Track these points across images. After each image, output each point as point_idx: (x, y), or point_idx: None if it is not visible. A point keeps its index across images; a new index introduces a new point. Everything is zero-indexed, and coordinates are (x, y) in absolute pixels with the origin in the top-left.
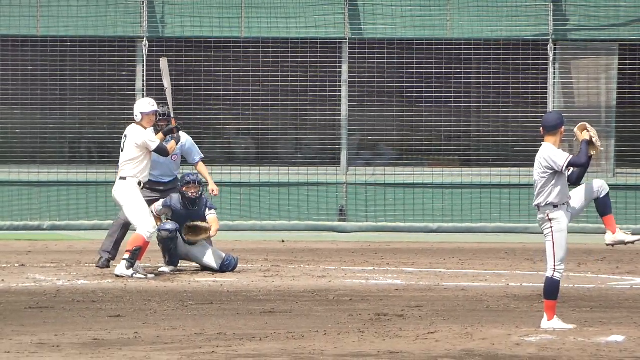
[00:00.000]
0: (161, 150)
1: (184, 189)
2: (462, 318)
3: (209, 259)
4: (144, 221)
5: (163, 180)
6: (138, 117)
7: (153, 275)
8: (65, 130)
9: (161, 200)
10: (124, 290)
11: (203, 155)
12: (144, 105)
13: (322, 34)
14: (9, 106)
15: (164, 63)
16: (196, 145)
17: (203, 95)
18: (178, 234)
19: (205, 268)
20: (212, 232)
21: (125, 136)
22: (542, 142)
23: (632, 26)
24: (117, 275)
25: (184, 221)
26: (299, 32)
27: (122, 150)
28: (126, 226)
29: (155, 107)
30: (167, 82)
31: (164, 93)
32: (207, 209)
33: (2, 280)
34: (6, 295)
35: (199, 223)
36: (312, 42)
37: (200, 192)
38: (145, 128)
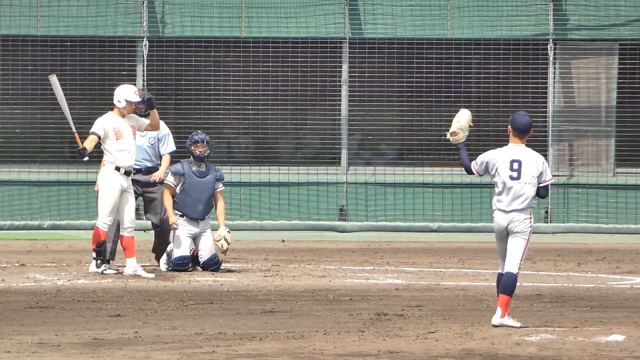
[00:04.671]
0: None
1: (192, 147)
2: (462, 317)
3: (204, 252)
4: (105, 213)
5: (139, 167)
6: (122, 104)
7: (153, 275)
8: (65, 130)
9: (170, 171)
10: (124, 290)
11: (175, 150)
12: (130, 93)
13: (322, 34)
14: (9, 106)
15: (53, 79)
16: (172, 140)
17: (203, 95)
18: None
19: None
20: (223, 245)
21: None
22: (522, 145)
23: (632, 26)
24: (90, 273)
25: (198, 189)
26: (299, 32)
27: None
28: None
29: (139, 99)
30: (60, 98)
31: (162, 90)
32: (217, 180)
33: (2, 280)
34: (6, 295)
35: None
36: (312, 42)
37: (208, 151)
38: (123, 115)
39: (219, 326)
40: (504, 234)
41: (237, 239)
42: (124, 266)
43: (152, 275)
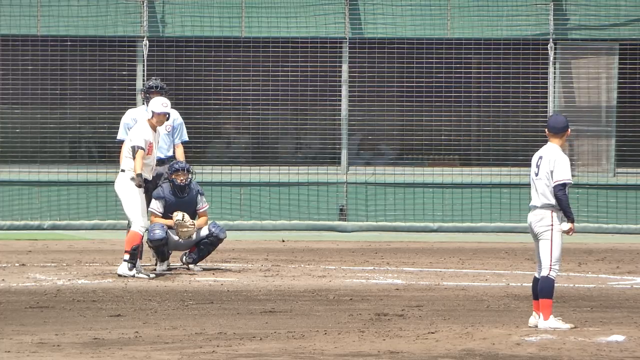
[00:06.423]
0: (134, 151)
1: (173, 176)
2: (462, 318)
3: (198, 235)
4: (138, 218)
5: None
6: (149, 115)
7: (154, 275)
8: (66, 130)
9: (154, 198)
10: (125, 290)
11: (187, 139)
12: (157, 105)
13: (322, 34)
14: (9, 106)
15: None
16: (185, 130)
17: (203, 95)
18: (168, 232)
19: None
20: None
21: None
22: (551, 143)
23: (633, 26)
24: (119, 275)
25: (179, 207)
26: (299, 32)
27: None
28: None
29: (167, 110)
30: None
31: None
32: (199, 195)
33: (3, 280)
34: (6, 294)
35: (187, 223)
36: (312, 42)
37: (189, 180)
38: (154, 128)
39: (219, 326)
40: (533, 234)
41: (237, 239)
42: (154, 273)
43: (153, 276)
